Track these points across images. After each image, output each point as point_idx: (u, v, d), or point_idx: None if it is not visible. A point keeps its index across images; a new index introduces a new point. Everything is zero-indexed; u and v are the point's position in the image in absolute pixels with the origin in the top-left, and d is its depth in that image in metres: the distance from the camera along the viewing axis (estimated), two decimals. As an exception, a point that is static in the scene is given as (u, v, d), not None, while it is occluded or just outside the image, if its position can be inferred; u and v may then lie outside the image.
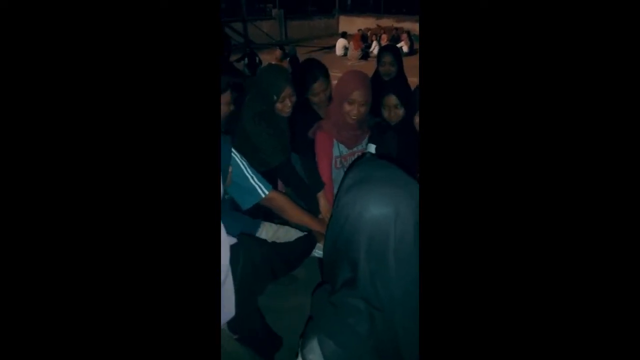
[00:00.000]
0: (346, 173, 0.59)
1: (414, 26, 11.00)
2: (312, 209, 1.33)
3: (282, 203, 1.14)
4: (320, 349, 0.52)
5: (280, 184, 1.47)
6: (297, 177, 1.39)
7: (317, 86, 1.42)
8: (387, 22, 11.67)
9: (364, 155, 0.69)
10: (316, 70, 1.45)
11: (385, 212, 0.50)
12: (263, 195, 1.09)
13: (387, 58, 1.84)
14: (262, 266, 0.77)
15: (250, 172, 1.10)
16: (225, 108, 1.12)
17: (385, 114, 1.38)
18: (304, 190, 1.39)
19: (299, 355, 0.54)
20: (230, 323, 0.71)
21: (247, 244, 0.74)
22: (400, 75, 1.83)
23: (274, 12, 11.00)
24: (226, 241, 0.67)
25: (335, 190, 1.55)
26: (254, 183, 1.09)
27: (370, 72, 1.64)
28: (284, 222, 1.18)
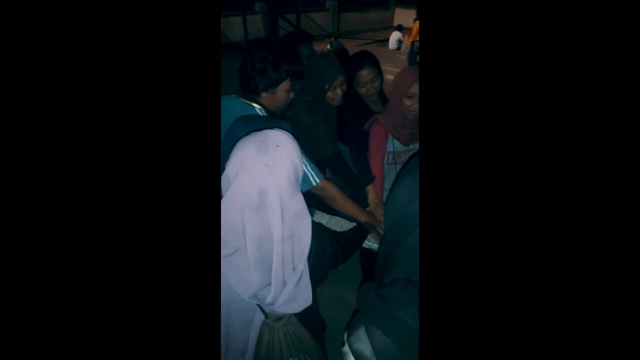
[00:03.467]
0: (403, 172, 0.57)
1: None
2: (361, 201, 1.29)
3: (333, 192, 1.12)
4: (368, 338, 0.51)
5: (329, 174, 1.44)
6: (348, 169, 1.35)
7: (365, 74, 1.37)
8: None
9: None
10: (363, 58, 1.40)
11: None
12: (314, 183, 1.07)
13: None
14: (329, 254, 0.76)
15: (304, 160, 1.08)
16: (285, 95, 1.10)
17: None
18: (354, 182, 1.35)
19: (345, 344, 0.53)
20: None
21: (317, 232, 0.73)
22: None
23: (328, 3, 10.93)
24: (309, 231, 0.67)
25: (385, 185, 1.52)
26: (307, 171, 1.08)
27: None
28: (333, 211, 1.16)
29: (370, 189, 1.34)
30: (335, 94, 1.31)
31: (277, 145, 0.64)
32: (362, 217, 1.16)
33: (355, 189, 1.35)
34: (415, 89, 1.16)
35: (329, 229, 0.88)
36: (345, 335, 0.53)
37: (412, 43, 6.24)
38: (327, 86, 1.28)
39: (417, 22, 6.24)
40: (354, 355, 0.51)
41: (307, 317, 0.73)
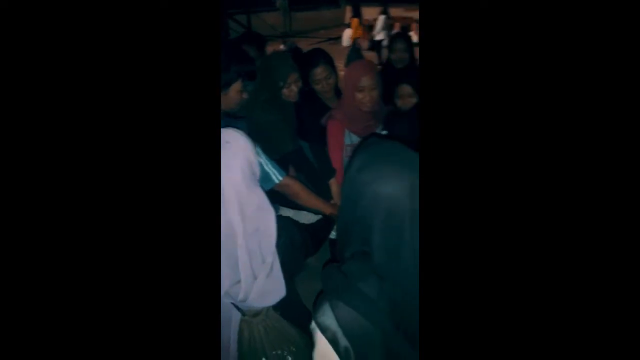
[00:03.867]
0: (354, 155, 0.61)
1: (405, 13, 10.80)
2: (324, 194, 1.33)
3: (296, 188, 1.15)
4: (332, 311, 0.54)
5: (292, 170, 1.47)
6: (309, 164, 1.40)
7: (319, 72, 1.42)
8: (396, 11, 11.46)
9: (369, 138, 0.71)
10: (317, 56, 1.45)
11: (400, 188, 0.53)
12: (277, 181, 1.10)
13: (400, 45, 1.80)
14: (299, 246, 0.79)
15: (264, 159, 1.10)
16: (237, 96, 1.12)
17: (399, 102, 1.37)
18: (316, 177, 1.39)
19: (313, 320, 0.56)
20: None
21: (286, 225, 0.76)
22: (413, 64, 1.80)
23: (278, 2, 10.88)
24: (274, 224, 0.69)
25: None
26: (268, 169, 1.10)
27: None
28: (298, 207, 1.19)
29: (332, 182, 1.39)
30: (290, 91, 1.34)
31: (227, 142, 0.65)
32: (327, 210, 1.20)
33: (318, 184, 1.39)
34: (364, 82, 1.22)
35: (296, 221, 0.92)
36: (312, 312, 0.57)
37: (354, 40, 6.29)
38: (281, 83, 1.31)
39: (355, 19, 6.28)
40: (320, 329, 0.54)
41: (289, 309, 0.76)
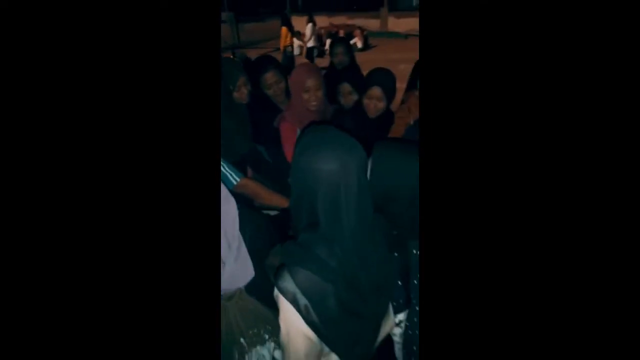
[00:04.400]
0: (299, 139, 0.70)
1: (366, 22, 11.37)
2: (284, 192, 1.42)
3: (255, 188, 1.22)
4: (290, 276, 0.62)
5: (250, 172, 1.54)
6: (266, 163, 1.47)
7: (269, 77, 1.51)
8: (340, 20, 11.92)
9: (308, 126, 0.81)
10: (266, 63, 1.55)
11: (335, 164, 0.62)
12: (235, 182, 1.16)
13: (340, 49, 1.96)
14: (265, 231, 0.86)
15: (221, 162, 1.16)
16: None
17: (342, 100, 1.49)
18: (274, 175, 1.47)
19: (275, 288, 0.64)
20: (247, 287, 0.79)
21: (250, 212, 0.83)
22: (353, 65, 1.96)
23: (224, 15, 10.85)
24: (234, 211, 0.75)
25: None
26: (225, 171, 1.16)
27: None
28: (260, 206, 1.26)
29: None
30: (241, 93, 1.44)
31: None
32: (287, 205, 1.28)
33: (277, 181, 1.47)
34: (309, 83, 1.34)
35: (260, 211, 0.99)
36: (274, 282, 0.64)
37: (285, 48, 6.49)
38: (231, 87, 1.39)
39: (284, 28, 6.55)
40: (282, 292, 0.62)
41: (261, 291, 0.82)
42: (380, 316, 0.74)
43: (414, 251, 0.78)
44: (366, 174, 0.68)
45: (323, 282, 0.62)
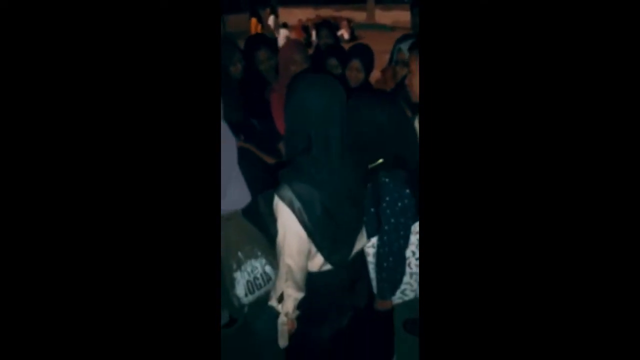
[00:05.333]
0: (290, 83, 0.85)
1: (352, 15, 11.49)
2: (275, 156, 1.58)
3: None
4: (287, 185, 0.78)
5: (242, 137, 1.70)
6: (258, 132, 1.64)
7: (262, 54, 1.68)
8: (326, 11, 12.00)
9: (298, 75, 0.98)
10: (259, 42, 1.72)
11: (325, 97, 0.78)
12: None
13: (324, 32, 2.12)
14: (260, 168, 1.03)
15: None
16: None
17: (348, 73, 1.63)
18: (264, 144, 1.63)
19: (275, 196, 0.79)
20: (244, 211, 0.94)
21: (249, 152, 1.00)
22: (337, 44, 2.12)
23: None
24: (234, 146, 0.90)
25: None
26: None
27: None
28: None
29: (281, 145, 1.64)
30: (236, 69, 1.59)
31: None
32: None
33: (267, 147, 1.63)
34: (296, 57, 1.49)
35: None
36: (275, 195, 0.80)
37: None
38: (227, 62, 1.55)
39: (254, 19, 7.02)
40: (281, 198, 0.77)
41: (255, 217, 0.99)
42: (355, 224, 0.90)
43: (385, 179, 0.94)
44: (345, 108, 0.83)
45: (312, 189, 0.78)
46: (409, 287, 1.11)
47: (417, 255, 1.06)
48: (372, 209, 0.96)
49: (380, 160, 0.96)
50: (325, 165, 0.79)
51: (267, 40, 1.74)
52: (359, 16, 12.13)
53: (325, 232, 0.81)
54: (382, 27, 11.18)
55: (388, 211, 0.95)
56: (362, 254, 1.01)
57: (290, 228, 0.79)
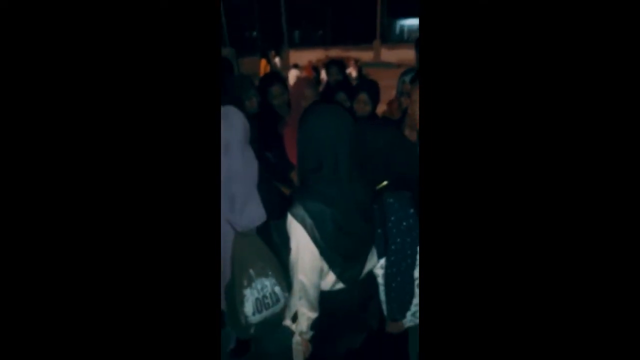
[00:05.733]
0: (303, 113, 0.92)
1: (360, 54, 12.13)
2: (288, 186, 1.67)
3: None
4: (301, 205, 0.83)
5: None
6: (272, 165, 1.75)
7: (275, 90, 1.83)
8: (335, 53, 12.68)
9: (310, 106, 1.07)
10: (272, 78, 1.88)
11: (334, 125, 0.85)
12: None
13: (334, 69, 2.28)
14: (274, 191, 1.12)
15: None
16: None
17: (356, 106, 1.74)
18: (278, 175, 1.73)
19: (288, 214, 0.84)
20: (259, 230, 1.03)
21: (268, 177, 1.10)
22: (346, 80, 2.27)
23: (224, 51, 11.64)
24: (255, 163, 0.99)
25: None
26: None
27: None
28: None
29: (293, 174, 1.73)
30: (252, 103, 1.72)
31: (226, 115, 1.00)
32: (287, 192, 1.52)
33: (282, 178, 1.72)
34: (307, 92, 1.62)
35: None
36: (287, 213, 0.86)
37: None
38: (243, 97, 1.70)
39: (263, 59, 7.74)
40: (294, 216, 0.83)
41: (267, 235, 1.04)
42: (366, 239, 0.93)
43: (390, 200, 0.99)
44: (352, 133, 0.89)
45: (323, 206, 0.83)
46: None
47: None
48: (379, 230, 1.00)
49: (385, 183, 1.01)
50: (335, 183, 0.85)
51: (279, 77, 1.90)
52: (366, 56, 12.75)
53: (336, 248, 0.85)
54: (388, 65, 11.69)
55: (394, 230, 0.98)
56: (373, 274, 1.03)
57: (303, 245, 0.83)
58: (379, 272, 1.05)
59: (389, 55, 12.69)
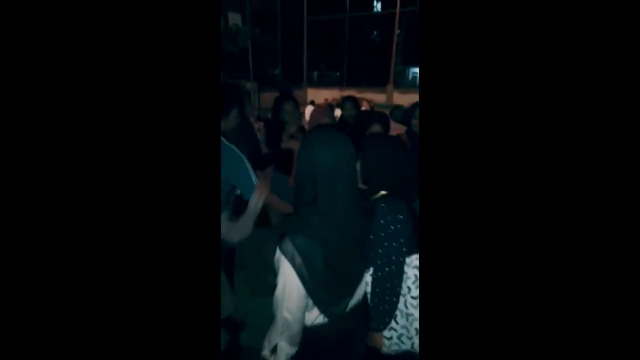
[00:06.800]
0: (304, 137, 0.88)
1: (373, 96, 12.76)
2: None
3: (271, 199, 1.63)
4: (291, 240, 0.77)
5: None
6: (273, 182, 2.01)
7: (288, 106, 2.17)
8: (350, 92, 13.29)
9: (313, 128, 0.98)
10: (286, 96, 2.24)
11: (333, 154, 0.80)
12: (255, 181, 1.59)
13: (348, 104, 2.59)
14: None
15: (252, 172, 1.57)
16: (233, 121, 1.55)
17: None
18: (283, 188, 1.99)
19: (278, 249, 0.81)
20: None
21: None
22: (381, 113, 2.57)
23: (248, 85, 12.45)
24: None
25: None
26: (249, 171, 1.56)
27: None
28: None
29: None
30: (260, 126, 2.08)
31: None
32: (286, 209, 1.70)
33: (283, 192, 1.95)
34: (324, 120, 1.91)
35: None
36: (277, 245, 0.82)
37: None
38: (248, 112, 2.12)
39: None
40: (282, 252, 0.78)
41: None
42: (356, 276, 0.91)
43: (382, 205, 0.99)
44: (354, 164, 0.85)
45: (315, 244, 0.78)
46: (406, 332, 1.05)
47: (414, 293, 1.02)
48: (371, 236, 0.98)
49: (383, 192, 1.03)
50: (330, 218, 0.79)
51: (293, 97, 2.27)
52: (379, 98, 13.36)
53: (324, 286, 0.80)
54: (400, 107, 12.17)
55: (382, 234, 0.96)
56: (360, 304, 0.99)
57: (290, 283, 0.78)
58: (368, 279, 1.02)
59: (401, 98, 13.24)
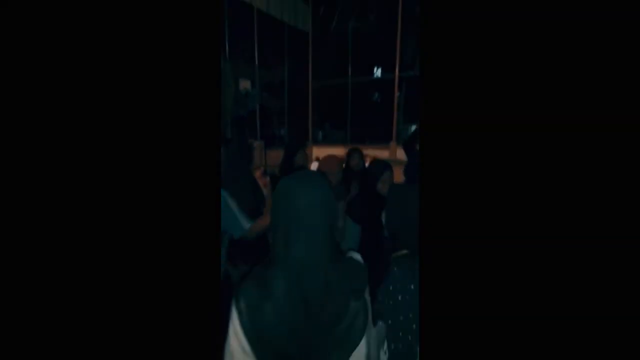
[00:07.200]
0: (279, 182, 0.83)
1: (377, 153, 13.11)
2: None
3: (263, 221, 1.65)
4: (241, 291, 0.72)
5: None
6: None
7: (299, 156, 2.34)
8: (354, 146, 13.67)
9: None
10: (297, 146, 2.40)
11: (308, 201, 0.74)
12: (246, 227, 1.61)
13: (355, 155, 2.63)
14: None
15: (240, 215, 1.60)
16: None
17: (380, 185, 2.00)
18: None
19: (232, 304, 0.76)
20: None
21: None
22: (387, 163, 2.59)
23: (255, 143, 12.90)
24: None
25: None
26: (236, 214, 1.61)
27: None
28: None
29: None
30: (266, 181, 2.09)
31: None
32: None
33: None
34: (333, 168, 1.90)
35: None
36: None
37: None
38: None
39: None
40: (234, 298, 0.71)
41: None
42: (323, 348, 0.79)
43: (394, 269, 0.95)
44: (331, 213, 0.78)
45: (260, 300, 0.71)
46: None
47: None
48: (376, 305, 0.95)
49: (405, 251, 0.98)
50: (285, 276, 0.69)
51: (302, 147, 2.46)
52: (383, 154, 13.69)
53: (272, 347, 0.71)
54: (402, 163, 12.38)
55: (390, 302, 0.92)
56: None
57: (233, 335, 0.73)
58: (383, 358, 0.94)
59: (403, 154, 13.52)
